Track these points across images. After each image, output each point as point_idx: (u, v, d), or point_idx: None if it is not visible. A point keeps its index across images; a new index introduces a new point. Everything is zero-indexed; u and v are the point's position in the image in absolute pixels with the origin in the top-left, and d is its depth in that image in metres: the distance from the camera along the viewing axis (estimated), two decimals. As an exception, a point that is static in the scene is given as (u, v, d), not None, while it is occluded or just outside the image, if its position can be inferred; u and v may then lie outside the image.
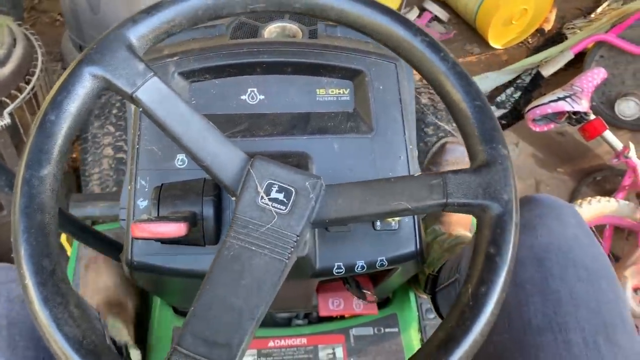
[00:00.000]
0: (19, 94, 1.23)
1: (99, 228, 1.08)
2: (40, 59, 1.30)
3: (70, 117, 0.46)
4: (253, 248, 0.46)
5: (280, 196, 0.47)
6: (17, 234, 0.42)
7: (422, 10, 2.30)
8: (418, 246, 0.63)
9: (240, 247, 0.46)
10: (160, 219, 0.54)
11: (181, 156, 0.63)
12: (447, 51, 0.52)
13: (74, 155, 1.66)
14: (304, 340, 0.93)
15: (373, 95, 0.66)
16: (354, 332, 0.95)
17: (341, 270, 0.62)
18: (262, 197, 0.47)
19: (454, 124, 1.31)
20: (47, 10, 2.13)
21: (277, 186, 0.48)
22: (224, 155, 0.49)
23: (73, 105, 0.46)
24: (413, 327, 0.99)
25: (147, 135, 0.63)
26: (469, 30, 2.27)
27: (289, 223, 0.47)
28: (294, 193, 0.47)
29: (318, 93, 0.68)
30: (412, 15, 2.26)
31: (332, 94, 0.68)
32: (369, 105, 0.66)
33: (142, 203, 0.62)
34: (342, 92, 0.68)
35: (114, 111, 1.40)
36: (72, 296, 0.42)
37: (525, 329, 0.59)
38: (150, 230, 0.52)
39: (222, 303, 0.44)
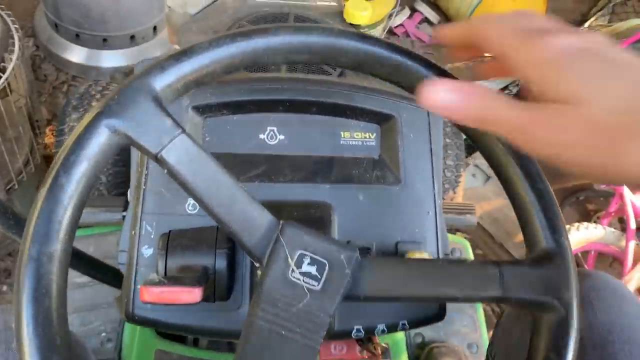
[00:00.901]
0: (-8, 82, 1.13)
1: None
2: (17, 44, 1.19)
3: (84, 180, 0.39)
4: (283, 332, 0.41)
5: (313, 270, 0.42)
6: (21, 324, 0.36)
7: (414, 11, 2.25)
8: (442, 308, 0.60)
9: (270, 331, 0.41)
10: (171, 281, 0.48)
11: (192, 200, 0.57)
12: None
13: (49, 141, 1.57)
14: None
15: (402, 144, 0.61)
16: None
17: (360, 334, 0.58)
18: (292, 270, 0.42)
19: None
20: (18, -21, 1.98)
21: (309, 258, 0.42)
22: (250, 219, 0.43)
23: (88, 166, 0.40)
24: (403, 358, 0.96)
25: (156, 175, 0.57)
26: (460, 34, 2.24)
27: (321, 303, 0.42)
28: (327, 267, 0.42)
29: (342, 136, 0.62)
30: (403, 16, 2.21)
31: (357, 137, 0.62)
32: (397, 153, 0.61)
33: (147, 251, 0.56)
34: (367, 137, 0.63)
35: (94, 103, 1.31)
36: None
37: None
38: (162, 297, 0.47)
39: None
